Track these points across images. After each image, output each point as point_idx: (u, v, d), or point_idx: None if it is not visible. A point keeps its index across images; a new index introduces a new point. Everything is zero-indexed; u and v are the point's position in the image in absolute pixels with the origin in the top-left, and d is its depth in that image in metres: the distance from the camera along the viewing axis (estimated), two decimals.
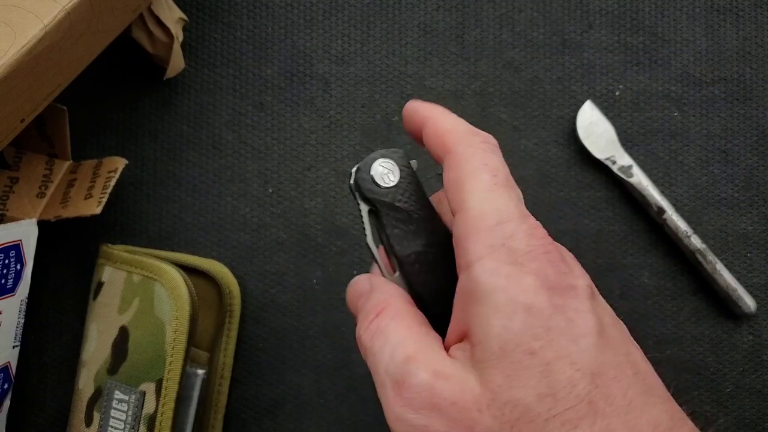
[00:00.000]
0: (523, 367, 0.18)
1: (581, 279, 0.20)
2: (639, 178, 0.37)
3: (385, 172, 0.24)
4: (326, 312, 0.37)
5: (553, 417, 0.17)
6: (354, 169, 0.25)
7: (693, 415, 0.20)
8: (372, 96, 0.38)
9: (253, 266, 0.37)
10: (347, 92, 0.38)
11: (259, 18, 0.39)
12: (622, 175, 0.37)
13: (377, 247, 0.25)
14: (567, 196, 0.38)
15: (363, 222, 0.25)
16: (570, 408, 0.17)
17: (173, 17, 0.36)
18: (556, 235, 0.37)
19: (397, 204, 0.24)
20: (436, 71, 0.38)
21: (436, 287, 0.23)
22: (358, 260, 0.37)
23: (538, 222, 0.21)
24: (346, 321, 0.37)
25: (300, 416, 0.36)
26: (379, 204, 0.24)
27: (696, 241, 0.36)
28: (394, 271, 0.24)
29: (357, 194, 0.25)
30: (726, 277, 0.36)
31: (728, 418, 0.37)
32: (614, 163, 0.37)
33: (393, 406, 0.19)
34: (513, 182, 0.22)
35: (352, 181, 0.25)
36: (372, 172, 0.24)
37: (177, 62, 0.37)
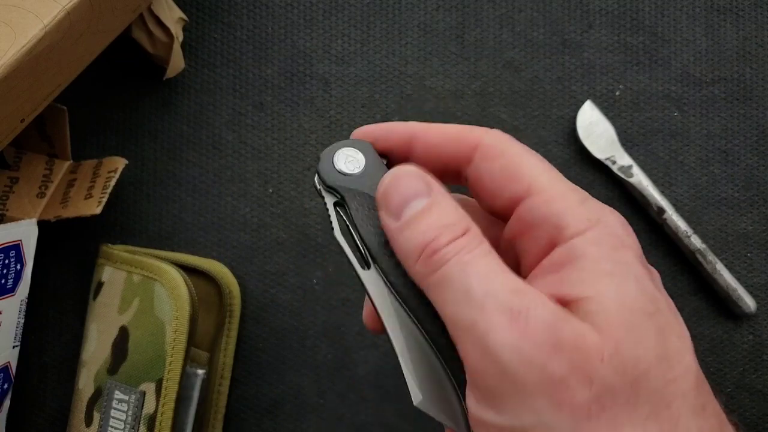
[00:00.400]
0: (643, 326, 0.17)
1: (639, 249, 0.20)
2: (639, 178, 0.37)
3: (348, 159, 0.23)
4: (326, 312, 0.37)
5: (669, 381, 0.17)
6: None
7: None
8: (372, 96, 0.38)
9: (253, 266, 0.37)
10: (347, 92, 0.38)
11: (259, 18, 0.39)
12: (622, 175, 0.37)
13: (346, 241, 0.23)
14: None
15: (329, 214, 0.23)
16: (681, 377, 0.17)
17: (173, 17, 0.36)
18: None
19: (365, 191, 0.22)
20: (436, 71, 0.38)
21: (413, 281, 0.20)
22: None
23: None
24: (346, 321, 0.37)
25: (300, 416, 0.37)
26: (344, 192, 0.22)
27: (696, 241, 0.36)
28: (368, 267, 0.22)
29: (320, 184, 0.23)
30: (726, 277, 0.36)
31: (730, 418, 0.37)
32: (614, 163, 0.37)
33: (506, 335, 0.17)
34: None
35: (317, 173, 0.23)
36: (335, 160, 0.23)
37: (177, 62, 0.37)
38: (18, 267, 0.32)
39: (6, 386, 0.33)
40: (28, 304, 0.34)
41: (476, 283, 0.18)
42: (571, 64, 0.38)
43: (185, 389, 0.33)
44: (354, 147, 0.23)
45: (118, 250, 0.35)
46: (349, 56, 0.38)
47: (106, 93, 0.38)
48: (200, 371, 0.34)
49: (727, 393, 0.37)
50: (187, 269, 0.35)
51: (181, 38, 0.36)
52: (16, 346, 0.34)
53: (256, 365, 0.37)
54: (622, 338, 0.17)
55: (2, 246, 0.30)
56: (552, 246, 0.19)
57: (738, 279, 0.37)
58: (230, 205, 0.38)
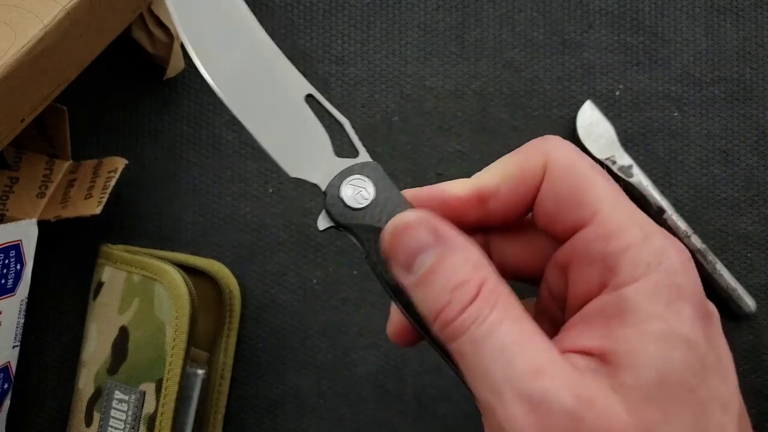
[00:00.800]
0: (681, 403, 0.16)
1: (709, 301, 0.18)
2: (639, 178, 0.37)
3: (357, 190, 0.21)
4: (326, 312, 0.37)
5: None
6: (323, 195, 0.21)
7: None
8: (372, 96, 0.38)
9: (253, 266, 0.37)
10: (347, 92, 0.38)
11: (260, 18, 0.38)
12: (622, 175, 0.37)
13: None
14: None
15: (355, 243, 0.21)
16: None
17: None
18: None
19: (377, 225, 0.20)
20: (436, 71, 0.38)
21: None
22: (358, 260, 0.37)
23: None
24: (347, 321, 0.37)
25: (300, 416, 0.37)
26: (358, 230, 0.21)
27: (696, 241, 0.36)
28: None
29: (329, 222, 0.21)
30: (726, 277, 0.36)
31: None
32: (614, 163, 0.37)
33: (525, 427, 0.16)
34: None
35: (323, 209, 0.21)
36: (342, 195, 0.21)
37: (177, 62, 0.37)
38: (18, 267, 0.32)
39: (6, 386, 0.33)
40: (28, 304, 0.34)
41: (492, 366, 0.16)
42: (571, 64, 0.38)
43: (185, 389, 0.33)
44: (360, 173, 0.21)
45: (118, 250, 0.35)
46: (349, 56, 0.38)
47: (106, 93, 0.38)
48: (200, 371, 0.34)
49: None
50: (187, 269, 0.35)
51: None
52: (16, 346, 0.34)
53: (256, 365, 0.37)
54: (656, 419, 0.16)
55: (2, 246, 0.31)
56: (603, 287, 0.18)
57: (738, 279, 0.37)
58: (230, 205, 0.38)
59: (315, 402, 0.37)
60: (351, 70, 0.38)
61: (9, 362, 0.33)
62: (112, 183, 0.33)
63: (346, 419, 0.37)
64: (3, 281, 0.31)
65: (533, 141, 0.20)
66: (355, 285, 0.37)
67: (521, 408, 0.16)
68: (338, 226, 0.21)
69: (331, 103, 0.38)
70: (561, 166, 0.19)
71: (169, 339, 0.32)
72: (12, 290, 0.32)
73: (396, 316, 0.22)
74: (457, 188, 0.21)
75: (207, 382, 0.35)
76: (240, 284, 0.37)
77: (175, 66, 0.37)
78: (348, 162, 0.22)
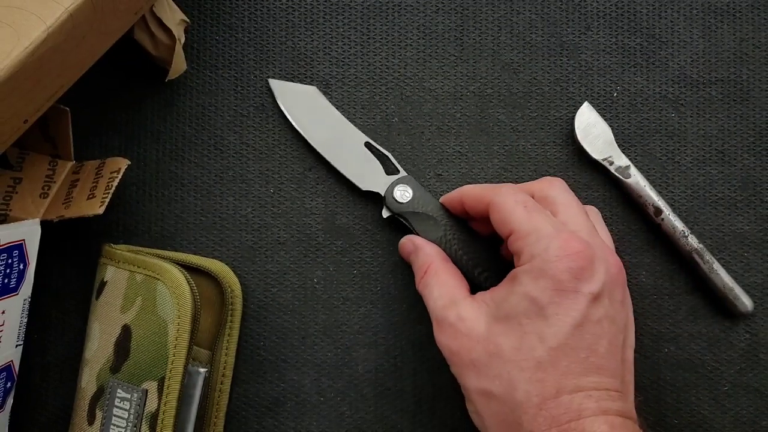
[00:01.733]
0: (512, 328, 0.28)
1: (590, 286, 0.27)
2: (636, 179, 0.37)
3: (401, 193, 0.36)
4: (327, 311, 0.37)
5: (514, 360, 0.27)
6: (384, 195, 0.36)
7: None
8: (372, 97, 0.38)
9: (254, 265, 0.37)
10: (347, 93, 0.39)
11: (261, 20, 0.39)
12: (620, 176, 0.37)
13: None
14: None
15: (405, 225, 0.36)
16: (525, 359, 0.27)
17: (175, 19, 0.36)
18: None
19: (415, 210, 0.35)
20: (435, 73, 0.39)
21: (455, 256, 0.34)
22: (358, 259, 0.38)
23: (576, 233, 0.28)
24: (347, 320, 0.37)
25: (301, 414, 0.37)
26: (403, 213, 0.36)
27: (693, 241, 0.36)
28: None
29: (388, 211, 0.36)
30: (723, 276, 0.36)
31: (725, 416, 0.37)
32: (612, 163, 0.37)
33: (436, 335, 0.30)
34: (542, 208, 0.30)
35: (382, 195, 0.36)
36: (393, 194, 0.36)
37: (179, 64, 0.37)
38: (21, 266, 0.32)
39: (9, 385, 0.33)
40: (31, 303, 0.34)
41: (431, 304, 0.31)
42: (569, 65, 0.39)
43: (187, 387, 0.33)
44: (403, 183, 0.36)
45: (121, 250, 0.35)
46: (349, 58, 0.39)
47: (108, 94, 0.38)
48: (202, 370, 0.34)
49: (724, 392, 0.37)
50: (189, 269, 0.35)
51: (183, 40, 0.36)
52: (19, 345, 0.34)
53: (257, 364, 0.37)
54: (495, 332, 0.28)
55: (5, 246, 0.31)
56: (518, 262, 0.30)
57: (735, 278, 0.37)
58: (232, 205, 0.38)
59: (315, 400, 0.37)
60: (351, 72, 0.39)
61: (12, 361, 0.33)
62: (115, 183, 0.33)
63: (347, 417, 0.37)
64: (6, 281, 0.31)
65: (497, 188, 0.32)
66: (355, 284, 0.37)
67: (435, 326, 0.31)
68: (394, 214, 0.36)
69: (332, 104, 0.39)
70: (495, 204, 0.31)
71: (171, 338, 0.32)
72: (15, 290, 0.32)
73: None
74: (453, 195, 0.35)
75: (208, 381, 0.35)
76: (241, 283, 0.37)
77: (177, 68, 0.37)
78: (394, 177, 0.37)
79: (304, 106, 0.38)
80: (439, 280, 0.32)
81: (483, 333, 0.29)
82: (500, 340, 0.28)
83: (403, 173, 0.37)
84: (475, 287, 0.33)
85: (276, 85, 0.38)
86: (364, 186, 0.37)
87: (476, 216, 0.33)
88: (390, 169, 0.37)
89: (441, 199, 0.35)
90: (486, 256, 0.34)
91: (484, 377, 0.28)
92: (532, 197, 0.31)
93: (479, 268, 0.34)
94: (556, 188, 0.32)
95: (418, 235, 0.35)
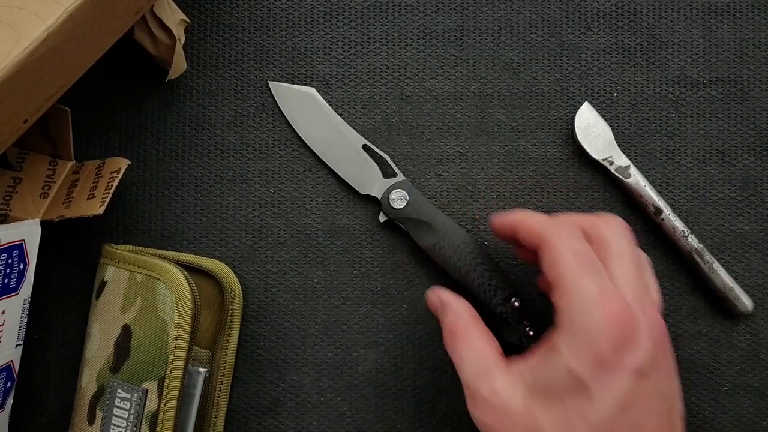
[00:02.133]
0: (553, 405, 0.26)
1: (634, 358, 0.25)
2: (636, 179, 0.37)
3: (397, 198, 0.36)
4: (327, 311, 0.37)
5: None
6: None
7: None
8: (372, 97, 0.38)
9: (254, 265, 0.37)
10: (347, 93, 0.39)
11: (261, 20, 0.39)
12: (620, 176, 0.37)
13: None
14: (565, 196, 0.38)
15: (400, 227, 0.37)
16: None
17: (175, 19, 0.36)
18: None
19: (410, 216, 0.36)
20: (435, 73, 0.39)
21: (448, 263, 0.35)
22: (358, 259, 0.38)
23: (620, 296, 0.27)
24: (347, 319, 0.37)
25: (301, 414, 0.37)
26: (398, 219, 0.36)
27: (693, 241, 0.36)
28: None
29: (384, 217, 0.37)
30: (723, 276, 0.36)
31: (725, 416, 0.37)
32: (612, 163, 0.37)
33: (470, 407, 0.28)
34: (594, 260, 0.28)
35: (379, 199, 0.36)
36: (389, 200, 0.36)
37: (179, 64, 0.37)
38: (21, 266, 0.32)
39: (9, 385, 0.33)
40: (31, 303, 0.34)
41: (461, 369, 0.29)
42: (569, 65, 0.39)
43: (187, 387, 0.33)
44: (399, 188, 0.36)
45: (121, 250, 0.35)
46: (349, 58, 0.39)
47: (109, 94, 0.38)
48: (202, 369, 0.34)
49: (724, 392, 0.37)
50: (190, 268, 0.35)
51: (183, 40, 0.36)
52: (20, 345, 0.34)
53: (257, 363, 0.37)
54: (534, 412, 0.26)
55: (6, 246, 0.31)
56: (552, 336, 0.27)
57: (735, 278, 0.37)
58: (232, 205, 0.38)
59: (316, 400, 0.37)
60: (351, 72, 0.39)
61: (12, 361, 0.33)
62: (115, 183, 0.33)
63: (347, 417, 0.37)
64: (6, 281, 0.31)
65: (552, 224, 0.30)
66: (355, 284, 0.37)
67: (469, 397, 0.28)
68: (390, 219, 0.36)
69: (332, 104, 0.39)
70: (548, 244, 0.29)
71: (171, 338, 0.32)
72: (15, 290, 0.32)
73: None
74: (505, 220, 0.32)
75: (209, 381, 0.35)
76: (241, 283, 0.37)
77: (178, 68, 0.37)
78: (391, 181, 0.37)
79: (302, 108, 0.38)
80: (470, 346, 0.29)
81: (521, 409, 0.26)
82: (540, 418, 0.26)
83: (400, 177, 0.37)
84: (467, 294, 0.33)
85: (275, 87, 0.38)
86: (362, 190, 0.37)
87: (527, 247, 0.31)
88: (388, 172, 0.37)
89: (492, 221, 0.33)
90: (481, 265, 0.34)
91: None
92: (585, 232, 0.29)
93: (473, 275, 0.34)
94: (612, 230, 0.29)
95: (413, 239, 0.35)
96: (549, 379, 0.26)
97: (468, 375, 0.28)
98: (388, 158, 0.37)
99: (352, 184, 0.37)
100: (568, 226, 0.29)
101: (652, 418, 0.25)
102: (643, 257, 0.31)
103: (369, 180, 0.37)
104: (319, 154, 0.37)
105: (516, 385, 0.27)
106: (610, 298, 0.26)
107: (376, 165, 0.37)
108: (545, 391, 0.26)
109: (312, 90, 0.38)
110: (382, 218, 0.37)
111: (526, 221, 0.30)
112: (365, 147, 0.37)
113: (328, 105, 0.38)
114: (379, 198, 0.36)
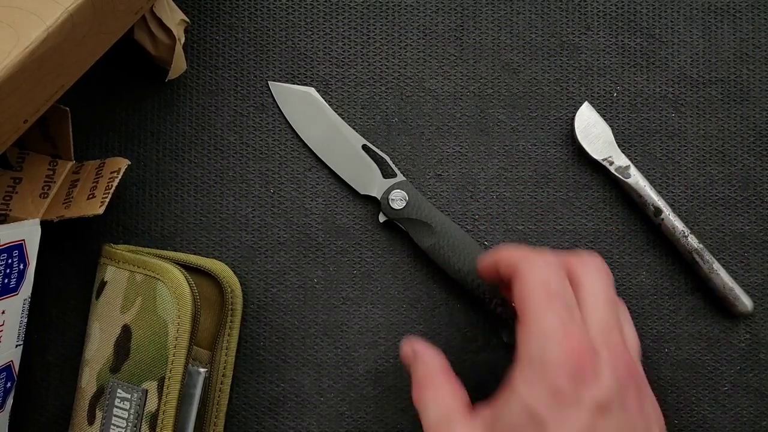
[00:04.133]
0: None
1: (593, 391, 0.24)
2: (636, 179, 0.37)
3: (396, 198, 0.36)
4: (327, 311, 0.37)
5: None
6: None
7: None
8: (372, 98, 0.38)
9: (254, 265, 0.37)
10: (347, 94, 0.39)
11: (261, 20, 0.39)
12: (620, 176, 0.37)
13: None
14: (565, 196, 0.38)
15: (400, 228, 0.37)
16: None
17: (175, 19, 0.36)
18: (554, 235, 0.38)
19: (410, 217, 0.36)
20: (435, 73, 0.39)
21: (448, 264, 0.35)
22: (358, 259, 0.38)
23: (583, 330, 0.26)
24: (347, 319, 0.37)
25: (301, 414, 0.37)
26: (398, 219, 0.36)
27: (693, 241, 0.36)
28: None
29: (386, 217, 0.36)
30: (723, 276, 0.36)
31: (725, 416, 0.37)
32: (612, 163, 0.37)
33: None
34: (566, 294, 0.27)
35: (379, 199, 0.36)
36: (389, 200, 0.36)
37: (179, 64, 0.37)
38: (21, 267, 0.32)
39: (9, 385, 0.33)
40: (31, 303, 0.34)
41: (425, 418, 0.28)
42: (569, 65, 0.39)
43: (187, 387, 0.33)
44: (399, 188, 0.36)
45: (121, 250, 0.35)
46: (349, 58, 0.39)
47: (108, 94, 0.38)
48: (202, 369, 0.34)
49: (724, 392, 0.37)
50: (189, 268, 0.35)
51: (183, 40, 0.36)
52: (19, 345, 0.34)
53: (257, 363, 0.37)
54: None
55: (5, 246, 0.31)
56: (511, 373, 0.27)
57: (735, 278, 0.37)
58: (232, 205, 0.38)
59: (316, 400, 0.37)
60: (351, 72, 0.39)
61: (12, 361, 0.33)
62: (115, 183, 0.33)
63: (347, 417, 0.37)
64: (6, 281, 0.31)
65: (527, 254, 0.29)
66: (355, 284, 0.37)
67: None
68: (390, 219, 0.36)
69: (332, 104, 0.39)
70: (519, 276, 0.28)
71: (171, 338, 0.32)
72: (15, 290, 0.32)
73: None
74: (487, 259, 0.31)
75: (209, 381, 0.35)
76: (241, 283, 0.37)
77: (177, 68, 0.37)
78: (391, 181, 0.36)
79: (302, 108, 0.37)
80: (435, 394, 0.28)
81: None
82: None
83: (400, 177, 0.37)
84: (467, 294, 0.33)
85: (275, 87, 0.38)
86: (362, 190, 0.37)
87: (508, 283, 0.29)
88: (387, 172, 0.37)
89: (479, 265, 0.32)
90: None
91: None
92: (565, 270, 0.28)
93: (473, 276, 0.34)
94: (589, 269, 0.28)
95: (413, 240, 0.35)
96: (508, 420, 0.25)
97: (429, 423, 0.28)
98: (387, 158, 0.37)
99: (351, 185, 0.37)
100: (546, 257, 0.28)
101: None
102: (620, 302, 0.31)
103: (369, 180, 0.37)
104: (318, 155, 0.37)
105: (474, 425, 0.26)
106: (571, 333, 0.25)
107: (375, 165, 0.37)
108: None
109: (312, 90, 0.38)
110: (381, 218, 0.36)
111: (505, 252, 0.30)
112: (365, 147, 0.37)
113: (327, 105, 0.38)
114: (379, 198, 0.36)
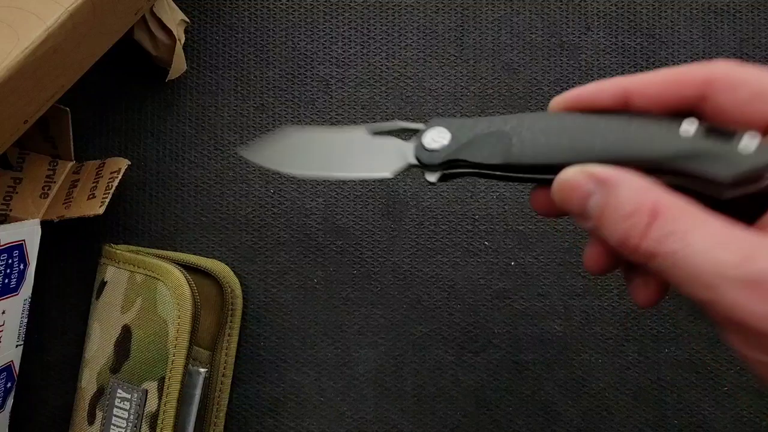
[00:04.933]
0: None
1: None
2: None
3: (432, 140, 0.25)
4: (327, 311, 0.37)
5: None
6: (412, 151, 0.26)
7: None
8: (372, 98, 0.38)
9: (254, 265, 0.37)
10: (348, 94, 0.39)
11: (261, 20, 0.39)
12: None
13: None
14: None
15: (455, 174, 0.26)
16: None
17: (175, 19, 0.36)
18: (555, 235, 0.38)
19: (464, 141, 0.25)
20: (435, 73, 0.39)
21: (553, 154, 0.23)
22: (358, 259, 0.38)
23: None
24: (347, 320, 0.37)
25: (301, 414, 0.37)
26: (452, 160, 0.25)
27: None
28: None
29: (434, 172, 0.26)
30: None
31: (725, 416, 0.37)
32: None
33: (752, 304, 0.17)
34: None
35: (414, 161, 0.26)
36: (424, 143, 0.25)
37: (179, 64, 0.37)
38: (21, 267, 0.32)
39: (9, 385, 0.33)
40: (31, 303, 0.34)
41: (701, 268, 0.17)
42: (569, 65, 0.39)
43: (187, 387, 0.33)
44: (432, 128, 0.25)
45: (121, 250, 0.35)
46: (349, 58, 0.39)
47: (108, 95, 0.38)
48: (202, 370, 0.34)
49: (724, 392, 0.37)
50: (190, 269, 0.35)
51: (183, 40, 0.36)
52: (20, 345, 0.34)
53: (257, 364, 0.37)
54: None
55: (6, 246, 0.31)
56: None
57: None
58: (232, 206, 0.38)
59: (316, 400, 0.37)
60: (352, 72, 0.39)
61: (12, 361, 0.33)
62: (115, 183, 0.34)
63: (347, 417, 0.37)
64: (6, 281, 0.31)
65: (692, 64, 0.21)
66: (355, 284, 0.37)
67: (743, 291, 0.17)
68: (443, 167, 0.25)
69: (332, 104, 0.39)
70: (730, 76, 0.20)
71: (171, 338, 0.32)
72: (15, 290, 0.32)
73: (590, 249, 0.23)
74: (603, 85, 0.22)
75: (209, 381, 0.35)
76: (241, 283, 0.37)
77: (177, 68, 0.37)
78: (417, 136, 0.26)
79: (288, 151, 0.30)
80: (695, 221, 0.18)
81: None
82: None
83: (421, 126, 0.27)
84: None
85: (246, 152, 0.31)
86: (390, 171, 0.28)
87: (668, 109, 0.21)
88: (407, 137, 0.29)
89: (563, 101, 0.25)
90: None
91: None
92: None
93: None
94: None
95: (475, 166, 0.24)
96: None
97: (724, 266, 0.17)
98: (397, 121, 0.29)
99: (380, 176, 0.28)
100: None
101: None
102: None
103: (392, 156, 0.28)
104: (342, 177, 0.30)
105: None
106: None
107: (393, 138, 0.28)
108: None
109: (286, 128, 0.31)
110: (432, 177, 0.26)
111: (642, 79, 0.21)
112: (373, 132, 0.29)
113: (312, 127, 0.32)
114: (415, 154, 0.27)
